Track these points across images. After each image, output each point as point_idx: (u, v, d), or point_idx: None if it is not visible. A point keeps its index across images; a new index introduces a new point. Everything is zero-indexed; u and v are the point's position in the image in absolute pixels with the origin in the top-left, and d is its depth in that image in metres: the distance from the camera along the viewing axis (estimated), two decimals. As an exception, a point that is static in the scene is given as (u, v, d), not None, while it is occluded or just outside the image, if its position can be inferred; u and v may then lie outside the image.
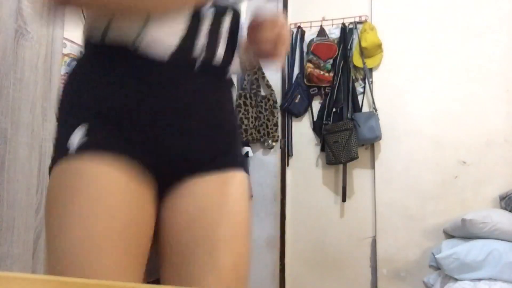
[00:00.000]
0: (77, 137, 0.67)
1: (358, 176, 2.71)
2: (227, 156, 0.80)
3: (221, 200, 0.76)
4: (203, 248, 0.72)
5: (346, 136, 2.57)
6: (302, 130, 2.84)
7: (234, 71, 0.85)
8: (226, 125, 0.81)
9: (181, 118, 0.73)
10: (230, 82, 0.85)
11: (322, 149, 2.70)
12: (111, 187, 0.66)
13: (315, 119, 2.79)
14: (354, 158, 2.57)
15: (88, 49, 0.76)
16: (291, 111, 2.82)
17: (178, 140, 0.73)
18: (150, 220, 0.72)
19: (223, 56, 0.78)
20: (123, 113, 0.70)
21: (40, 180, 1.31)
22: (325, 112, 2.70)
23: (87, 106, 0.71)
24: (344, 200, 2.65)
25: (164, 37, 0.71)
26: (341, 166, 2.67)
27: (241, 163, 0.84)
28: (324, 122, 2.68)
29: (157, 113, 0.71)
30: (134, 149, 0.69)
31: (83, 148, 0.67)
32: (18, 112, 1.22)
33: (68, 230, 0.63)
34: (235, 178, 0.80)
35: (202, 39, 0.74)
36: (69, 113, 0.73)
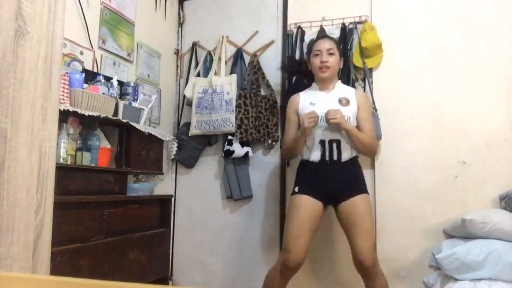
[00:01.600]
0: (297, 188, 2.24)
1: (358, 176, 2.71)
2: (354, 188, 2.19)
3: (356, 208, 2.13)
4: (355, 227, 2.11)
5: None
6: (302, 130, 2.83)
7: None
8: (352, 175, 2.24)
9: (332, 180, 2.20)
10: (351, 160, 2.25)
11: (322, 149, 2.71)
12: (307, 205, 2.17)
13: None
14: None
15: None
16: (291, 111, 2.82)
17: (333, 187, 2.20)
18: (319, 216, 2.20)
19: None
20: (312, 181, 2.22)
21: (40, 180, 1.31)
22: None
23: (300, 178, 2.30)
24: (344, 200, 2.65)
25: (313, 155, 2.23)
26: (341, 166, 2.67)
27: (362, 190, 2.20)
28: (324, 122, 2.69)
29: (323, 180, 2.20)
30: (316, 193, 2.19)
31: (299, 192, 2.23)
32: (18, 112, 1.22)
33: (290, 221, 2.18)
34: (361, 198, 2.17)
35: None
36: (296, 180, 2.31)
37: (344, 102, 2.22)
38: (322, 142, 2.18)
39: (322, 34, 2.72)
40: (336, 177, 2.17)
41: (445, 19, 2.63)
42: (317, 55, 2.25)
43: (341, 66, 2.36)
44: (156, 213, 2.52)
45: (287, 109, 2.40)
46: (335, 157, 2.16)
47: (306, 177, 2.23)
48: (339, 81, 2.37)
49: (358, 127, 2.22)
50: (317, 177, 2.19)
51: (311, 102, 2.26)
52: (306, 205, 2.14)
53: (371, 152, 2.36)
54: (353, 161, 2.22)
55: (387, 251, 2.57)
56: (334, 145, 2.17)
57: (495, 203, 2.40)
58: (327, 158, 2.17)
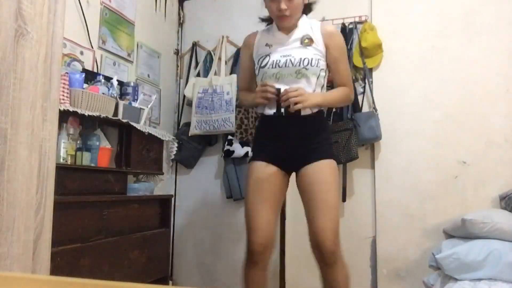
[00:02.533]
0: (252, 153, 1.90)
1: (358, 176, 2.71)
2: (317, 150, 1.77)
3: (318, 176, 1.73)
4: (315, 196, 1.72)
5: (346, 136, 2.57)
6: (302, 130, 2.84)
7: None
8: (312, 138, 1.80)
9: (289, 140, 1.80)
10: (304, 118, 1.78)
11: (322, 149, 2.71)
12: (263, 173, 1.77)
13: (315, 119, 2.79)
14: (354, 158, 2.57)
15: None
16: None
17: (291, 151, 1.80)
18: (281, 186, 1.82)
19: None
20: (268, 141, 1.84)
21: (40, 180, 1.31)
22: (325, 112, 2.70)
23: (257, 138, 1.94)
24: (344, 200, 2.65)
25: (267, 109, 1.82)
26: (341, 166, 2.67)
27: (327, 154, 1.78)
28: (324, 122, 2.68)
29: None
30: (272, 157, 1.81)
31: (253, 157, 1.85)
32: (18, 112, 1.22)
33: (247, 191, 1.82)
34: (326, 165, 1.76)
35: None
36: (253, 141, 2.17)
37: (306, 41, 1.80)
38: (279, 93, 1.72)
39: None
40: (294, 135, 1.77)
41: (445, 19, 2.63)
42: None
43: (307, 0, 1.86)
44: (156, 213, 2.52)
45: (240, 50, 2.10)
46: (292, 110, 1.70)
47: (262, 137, 1.86)
48: (304, 15, 1.88)
49: (331, 74, 1.87)
50: (272, 136, 1.81)
51: (267, 43, 1.86)
52: (262, 174, 1.77)
53: (349, 102, 2.03)
54: (317, 116, 1.81)
55: (387, 251, 2.57)
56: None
57: (495, 203, 2.40)
58: (282, 111, 1.73)
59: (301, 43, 1.80)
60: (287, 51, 1.80)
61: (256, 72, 1.87)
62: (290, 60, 1.77)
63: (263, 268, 1.79)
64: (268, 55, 1.82)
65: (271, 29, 1.90)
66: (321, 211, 1.68)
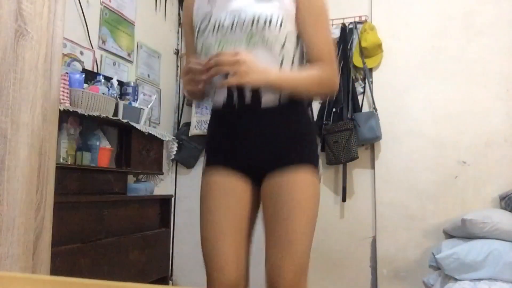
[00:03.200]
0: (205, 159, 1.31)
1: (358, 176, 2.71)
2: (288, 154, 1.20)
3: (285, 190, 1.17)
4: (274, 217, 1.18)
5: (346, 136, 2.57)
6: (302, 130, 2.83)
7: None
8: (281, 137, 1.21)
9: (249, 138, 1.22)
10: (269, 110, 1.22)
11: (322, 149, 2.70)
12: (219, 187, 1.22)
13: (315, 119, 2.78)
14: (354, 158, 2.57)
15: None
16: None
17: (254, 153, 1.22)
18: (250, 199, 1.24)
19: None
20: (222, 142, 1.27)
21: (40, 180, 1.31)
22: (325, 112, 2.70)
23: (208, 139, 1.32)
24: (344, 200, 2.65)
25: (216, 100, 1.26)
26: (341, 166, 2.67)
27: (302, 158, 1.20)
28: (324, 122, 2.68)
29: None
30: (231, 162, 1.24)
31: (206, 164, 1.30)
32: (18, 112, 1.22)
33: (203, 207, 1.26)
34: (300, 173, 1.18)
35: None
36: (206, 145, 1.34)
37: None
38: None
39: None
40: (253, 133, 1.20)
41: (445, 19, 2.63)
42: None
43: None
44: (156, 213, 2.52)
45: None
46: (247, 100, 1.18)
47: (214, 137, 1.29)
48: None
49: (303, 41, 1.22)
50: (224, 132, 1.24)
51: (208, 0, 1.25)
52: (220, 186, 1.22)
53: (331, 89, 1.25)
54: (286, 108, 1.20)
55: (387, 251, 2.57)
56: None
57: (495, 203, 2.40)
58: (235, 100, 1.20)
59: None
60: (236, 7, 1.18)
61: (195, 43, 1.27)
62: (239, 18, 1.16)
63: None
64: (209, 15, 1.22)
65: None
66: (280, 244, 1.15)
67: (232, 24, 1.17)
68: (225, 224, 1.19)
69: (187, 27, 1.34)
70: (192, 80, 1.16)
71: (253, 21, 1.15)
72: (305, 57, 1.24)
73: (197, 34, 1.24)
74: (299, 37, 1.21)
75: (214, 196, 1.22)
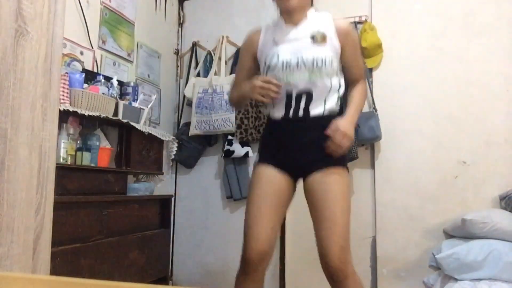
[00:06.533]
0: (258, 156, 1.71)
1: (358, 176, 2.71)
2: (326, 157, 1.57)
3: (326, 187, 1.55)
4: (321, 206, 1.55)
5: (346, 136, 2.57)
6: (302, 130, 2.84)
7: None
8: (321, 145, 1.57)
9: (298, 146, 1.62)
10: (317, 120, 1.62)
11: (322, 149, 2.71)
12: (267, 178, 1.62)
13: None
14: (354, 158, 2.56)
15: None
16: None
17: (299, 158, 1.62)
18: (287, 193, 1.65)
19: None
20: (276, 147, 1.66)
21: (40, 180, 1.31)
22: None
23: (263, 142, 1.74)
24: (344, 200, 2.65)
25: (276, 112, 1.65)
26: (341, 166, 2.67)
27: (338, 161, 1.58)
28: (324, 122, 2.68)
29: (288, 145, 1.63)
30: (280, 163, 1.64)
31: (259, 161, 1.69)
32: (18, 112, 1.22)
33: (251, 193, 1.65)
34: (336, 173, 1.57)
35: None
36: (259, 144, 1.76)
37: (319, 38, 1.59)
38: (288, 95, 1.59)
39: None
40: (301, 139, 1.60)
41: (445, 19, 2.63)
42: None
43: None
44: (156, 213, 2.52)
45: (241, 48, 1.86)
46: (300, 113, 1.60)
47: (268, 141, 1.70)
48: (313, 8, 1.68)
49: (344, 70, 1.71)
50: (278, 139, 1.65)
51: (274, 39, 1.65)
52: (267, 179, 1.62)
53: (366, 97, 1.88)
54: (328, 118, 1.60)
55: (387, 251, 2.57)
56: (303, 98, 1.59)
57: (495, 203, 2.40)
58: (291, 114, 1.61)
59: (313, 39, 1.59)
60: (298, 48, 1.58)
61: (263, 74, 1.65)
62: (303, 61, 1.56)
63: (258, 281, 1.58)
64: (277, 54, 1.60)
65: (277, 23, 1.69)
66: (326, 224, 1.51)
67: (297, 64, 1.57)
68: (264, 206, 1.59)
69: (248, 54, 1.75)
70: (266, 95, 1.56)
71: (313, 62, 1.56)
72: (344, 75, 1.72)
73: (266, 68, 1.64)
74: (342, 66, 1.69)
75: (260, 185, 1.62)
